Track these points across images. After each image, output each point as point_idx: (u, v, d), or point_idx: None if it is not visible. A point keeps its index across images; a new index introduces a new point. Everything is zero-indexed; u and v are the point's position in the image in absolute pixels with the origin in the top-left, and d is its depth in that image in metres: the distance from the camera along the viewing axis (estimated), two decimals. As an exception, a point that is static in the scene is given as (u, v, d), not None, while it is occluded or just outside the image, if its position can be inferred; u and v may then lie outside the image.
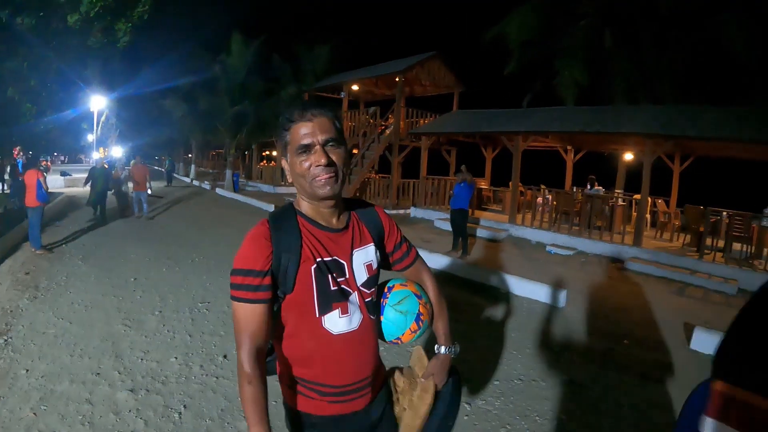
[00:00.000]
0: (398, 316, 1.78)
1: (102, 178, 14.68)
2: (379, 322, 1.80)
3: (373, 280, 1.75)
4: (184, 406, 4.17)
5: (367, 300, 1.71)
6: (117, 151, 39.53)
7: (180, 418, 4.00)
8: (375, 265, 1.77)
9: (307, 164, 1.56)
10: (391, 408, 1.90)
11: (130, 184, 17.40)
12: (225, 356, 5.28)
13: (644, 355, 6.13)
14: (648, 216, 15.71)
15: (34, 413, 3.93)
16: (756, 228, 11.46)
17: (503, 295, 8.30)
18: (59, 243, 10.91)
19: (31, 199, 9.64)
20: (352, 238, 1.72)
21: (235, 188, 26.80)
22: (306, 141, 1.55)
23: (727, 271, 10.55)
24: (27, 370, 4.66)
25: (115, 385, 4.46)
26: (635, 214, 13.49)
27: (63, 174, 27.77)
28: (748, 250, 11.48)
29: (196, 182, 32.88)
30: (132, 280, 8.19)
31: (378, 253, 1.80)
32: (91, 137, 39.28)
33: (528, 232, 14.42)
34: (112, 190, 16.22)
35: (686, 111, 13.26)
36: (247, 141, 29.07)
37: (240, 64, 26.46)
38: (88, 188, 15.23)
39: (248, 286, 1.51)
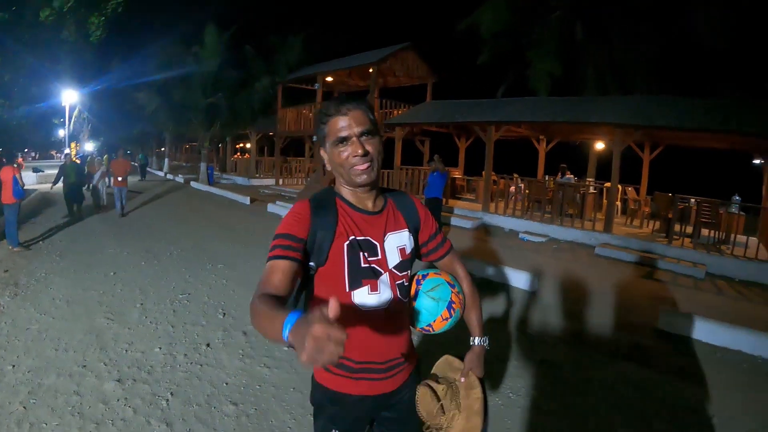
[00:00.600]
0: (431, 302, 1.82)
1: (74, 172, 14.21)
2: (411, 307, 1.87)
3: (405, 264, 1.83)
4: (171, 394, 4.27)
5: (398, 282, 1.79)
6: (90, 146, 39.00)
7: (168, 404, 4.10)
8: (408, 250, 1.85)
9: (345, 155, 1.67)
10: (411, 398, 1.92)
11: (106, 179, 17.14)
12: (208, 345, 5.38)
13: (613, 335, 6.37)
14: (619, 203, 15.99)
15: (24, 407, 3.98)
16: (724, 214, 11.75)
17: (477, 281, 8.34)
18: (36, 240, 10.85)
19: (7, 196, 9.54)
20: (386, 222, 1.81)
21: (210, 181, 26.58)
22: (343, 134, 1.66)
23: (696, 256, 10.79)
24: (13, 366, 4.69)
25: (102, 376, 4.54)
26: (606, 201, 13.73)
27: (36, 170, 27.34)
28: (716, 236, 11.77)
29: (170, 176, 32.52)
30: (111, 274, 8.20)
31: (412, 240, 1.88)
32: (63, 132, 38.78)
33: (501, 220, 14.61)
34: (87, 185, 15.82)
35: (655, 101, 13.50)
36: (221, 133, 28.83)
37: (213, 56, 26.13)
38: (59, 187, 14.51)
39: (282, 246, 1.59)
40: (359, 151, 1.65)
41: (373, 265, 1.73)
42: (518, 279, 8.27)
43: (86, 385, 4.38)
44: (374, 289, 1.72)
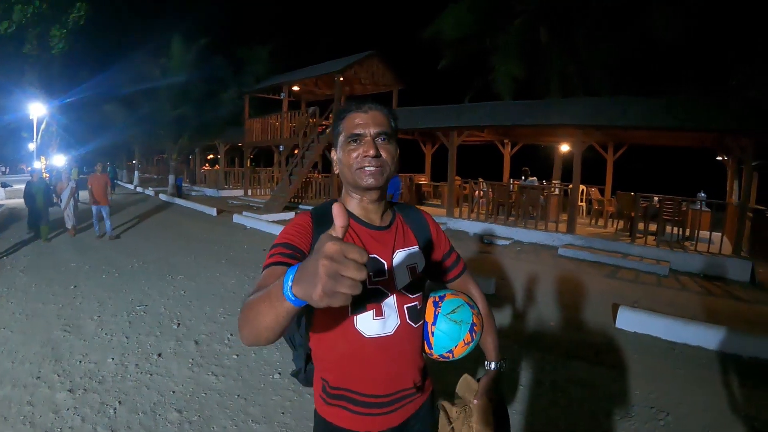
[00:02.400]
0: (452, 325, 1.65)
1: (42, 192, 13.02)
2: (428, 332, 1.69)
3: (416, 285, 1.67)
4: (119, 402, 4.34)
5: (409, 305, 1.63)
6: (59, 160, 38.28)
7: (115, 413, 4.17)
8: (419, 269, 1.68)
9: (355, 154, 1.54)
10: (432, 427, 1.81)
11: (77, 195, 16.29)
12: (160, 354, 5.42)
13: (570, 335, 6.32)
14: (583, 204, 16.08)
15: (-22, 417, 4.04)
16: (689, 211, 11.80)
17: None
18: (0, 256, 10.68)
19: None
20: (395, 238, 1.66)
21: (179, 193, 26.37)
22: (358, 131, 1.53)
23: (660, 254, 10.85)
24: (-30, 380, 4.73)
25: (55, 387, 4.61)
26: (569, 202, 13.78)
27: (4, 185, 26.88)
28: (680, 233, 11.80)
29: (140, 189, 32.38)
30: (72, 287, 8.17)
31: (423, 258, 1.72)
32: (32, 146, 38.19)
33: (466, 224, 14.55)
34: (59, 203, 14.19)
35: (616, 101, 13.56)
36: (189, 145, 28.61)
37: (180, 67, 25.95)
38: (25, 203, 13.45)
39: (282, 254, 1.42)
40: (371, 151, 1.51)
41: (379, 287, 1.55)
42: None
43: (39, 395, 4.45)
44: (379, 313, 1.55)
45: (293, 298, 0.94)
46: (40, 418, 4.04)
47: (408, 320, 1.62)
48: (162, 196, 25.77)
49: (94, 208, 13.30)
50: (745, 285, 9.47)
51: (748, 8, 16.78)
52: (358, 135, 1.53)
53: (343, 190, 1.69)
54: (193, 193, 28.90)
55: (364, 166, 1.52)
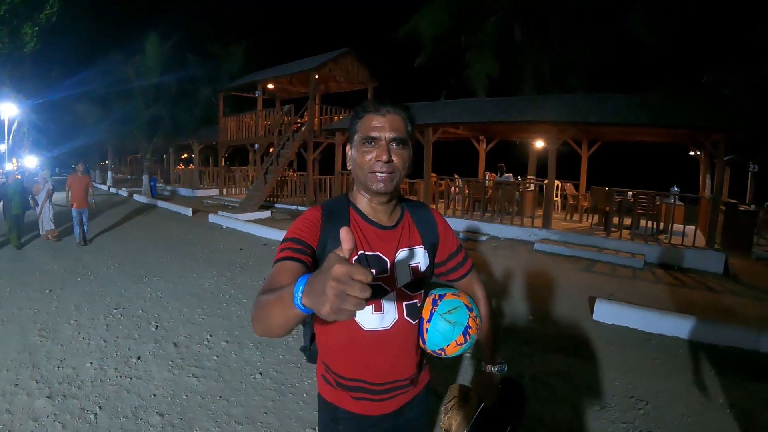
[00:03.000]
0: (446, 326, 1.68)
1: (18, 196, 11.94)
2: (422, 328, 1.73)
3: (418, 283, 1.71)
4: (100, 407, 4.26)
5: (408, 303, 1.68)
6: (31, 161, 37.61)
7: (95, 418, 4.10)
8: (422, 268, 1.73)
9: (368, 157, 1.56)
10: (427, 414, 1.92)
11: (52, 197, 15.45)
12: (139, 358, 5.32)
13: (548, 329, 6.35)
14: (558, 200, 16.18)
15: (-44, 428, 3.93)
16: (664, 205, 11.95)
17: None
18: (-29, 262, 10.39)
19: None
20: (400, 237, 1.70)
21: (153, 193, 25.96)
22: (374, 134, 1.55)
23: (634, 247, 10.98)
24: (-53, 390, 4.61)
25: (33, 394, 4.51)
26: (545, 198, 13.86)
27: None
28: (654, 226, 11.95)
29: (113, 190, 31.91)
30: (47, 291, 7.98)
31: (428, 257, 1.76)
32: (2, 147, 37.54)
33: (442, 221, 14.49)
34: (35, 207, 13.01)
35: (591, 98, 13.73)
36: (164, 144, 28.28)
37: (154, 66, 25.65)
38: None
39: (291, 249, 1.49)
40: (384, 156, 1.54)
41: (380, 283, 1.60)
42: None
43: (18, 403, 4.36)
44: (378, 309, 1.61)
45: (302, 307, 1.00)
46: (20, 426, 3.97)
47: (406, 317, 1.67)
48: (136, 197, 25.47)
49: (74, 212, 12.25)
50: (718, 276, 9.62)
51: (720, 9, 17.07)
52: (374, 138, 1.55)
53: (354, 186, 1.72)
54: (168, 193, 28.59)
55: (376, 171, 1.55)
